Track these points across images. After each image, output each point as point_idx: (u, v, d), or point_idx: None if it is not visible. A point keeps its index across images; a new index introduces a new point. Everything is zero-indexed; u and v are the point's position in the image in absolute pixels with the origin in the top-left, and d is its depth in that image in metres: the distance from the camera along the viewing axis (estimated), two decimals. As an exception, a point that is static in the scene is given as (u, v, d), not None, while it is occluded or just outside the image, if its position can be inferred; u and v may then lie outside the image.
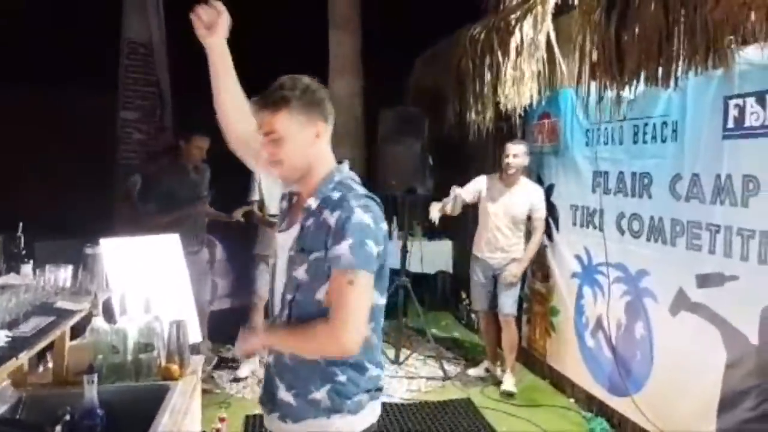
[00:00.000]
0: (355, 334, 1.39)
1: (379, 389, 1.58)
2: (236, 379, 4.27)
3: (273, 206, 4.30)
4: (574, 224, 3.83)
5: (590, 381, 3.65)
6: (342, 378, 1.48)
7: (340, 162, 1.58)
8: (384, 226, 1.49)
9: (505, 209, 3.94)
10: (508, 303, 3.97)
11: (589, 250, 3.66)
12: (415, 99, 5.44)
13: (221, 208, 4.49)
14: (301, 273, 1.48)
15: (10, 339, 1.59)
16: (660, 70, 2.28)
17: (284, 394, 1.51)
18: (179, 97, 6.71)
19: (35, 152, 6.63)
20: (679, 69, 2.23)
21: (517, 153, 3.88)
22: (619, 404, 3.37)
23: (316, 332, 1.41)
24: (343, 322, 1.38)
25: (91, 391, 1.81)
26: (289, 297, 1.52)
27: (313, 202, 1.50)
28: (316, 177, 1.52)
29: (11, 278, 1.93)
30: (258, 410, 3.72)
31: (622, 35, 2.44)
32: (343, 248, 1.38)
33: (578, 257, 3.78)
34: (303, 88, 1.47)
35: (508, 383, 3.94)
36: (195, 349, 2.54)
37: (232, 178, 4.52)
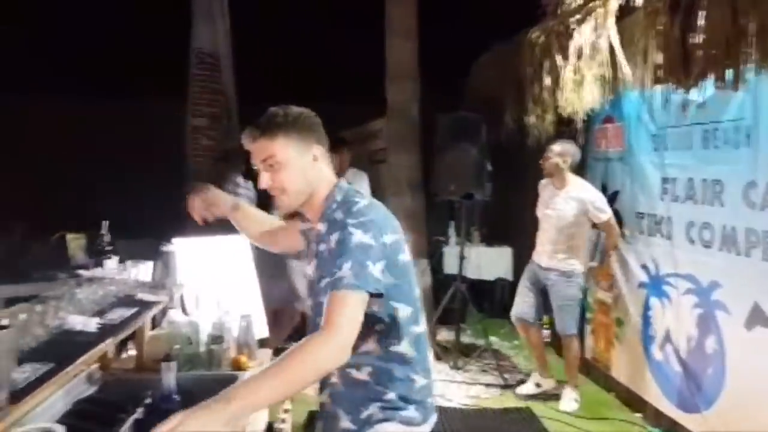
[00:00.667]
0: (348, 337, 1.30)
1: (431, 397, 1.56)
2: None
3: None
4: (641, 233, 3.73)
5: (658, 395, 3.53)
6: (391, 395, 1.48)
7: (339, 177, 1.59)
8: (393, 235, 1.46)
9: (554, 212, 3.84)
10: (569, 323, 3.82)
11: (657, 259, 3.56)
12: (472, 104, 5.43)
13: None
14: (325, 299, 1.40)
15: (100, 326, 1.71)
16: (728, 72, 2.21)
17: (344, 423, 1.51)
18: (244, 104, 6.97)
19: (114, 158, 7.03)
20: (749, 71, 2.15)
21: (548, 155, 3.82)
22: (688, 421, 3.25)
23: (302, 347, 1.27)
24: (336, 326, 1.30)
25: (170, 377, 1.92)
26: (319, 321, 1.44)
27: (322, 227, 1.52)
28: (318, 199, 1.54)
29: (98, 272, 2.07)
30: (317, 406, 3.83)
31: (688, 36, 2.38)
32: (344, 271, 1.34)
33: (645, 267, 3.68)
34: (296, 116, 1.50)
35: (568, 402, 3.81)
36: (262, 344, 2.64)
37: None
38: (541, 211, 3.97)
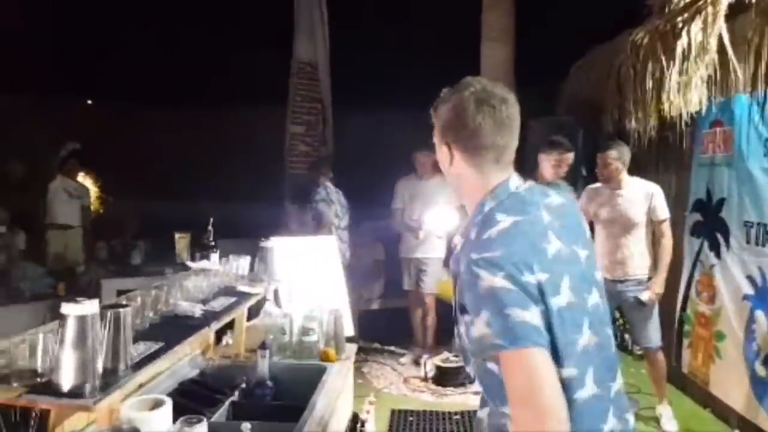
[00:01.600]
0: (545, 414, 1.05)
1: None
2: (392, 368, 4.66)
3: (414, 213, 4.54)
4: (748, 242, 3.48)
5: (760, 413, 3.29)
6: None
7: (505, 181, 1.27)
8: (543, 274, 1.13)
9: (619, 214, 3.62)
10: (653, 334, 3.61)
11: (765, 271, 3.31)
12: (570, 107, 5.31)
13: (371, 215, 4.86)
14: (462, 330, 1.22)
15: (203, 312, 1.88)
16: None
17: None
18: (338, 112, 7.24)
19: (219, 163, 7.56)
20: None
21: (608, 161, 3.64)
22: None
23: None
24: (524, 414, 1.08)
25: (264, 364, 2.09)
26: (465, 350, 1.26)
27: (458, 242, 1.29)
28: (471, 206, 1.28)
29: (204, 264, 2.27)
30: (402, 406, 3.92)
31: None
32: (481, 326, 1.10)
33: (751, 278, 3.43)
34: (442, 101, 1.32)
35: (669, 423, 3.61)
36: (351, 340, 2.76)
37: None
38: (600, 219, 3.70)
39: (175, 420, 1.53)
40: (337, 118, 7.31)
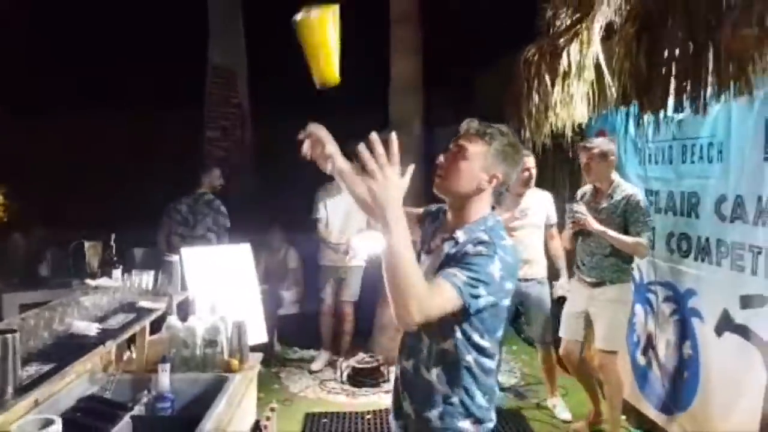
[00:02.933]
0: (421, 315, 1.36)
1: (488, 423, 1.62)
2: (309, 371, 4.70)
3: (335, 225, 4.62)
4: (627, 242, 3.85)
5: (640, 399, 3.65)
6: (454, 399, 1.58)
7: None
8: (512, 283, 1.55)
9: (523, 218, 3.90)
10: (547, 331, 3.93)
11: (641, 268, 3.68)
12: (476, 117, 5.59)
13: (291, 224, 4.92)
14: None
15: (100, 330, 1.93)
16: (686, 95, 2.36)
17: (407, 406, 1.66)
18: (257, 116, 7.24)
19: (134, 169, 7.35)
20: (707, 94, 2.30)
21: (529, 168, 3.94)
22: (666, 423, 3.37)
23: (415, 280, 1.35)
24: (425, 299, 1.37)
25: (165, 378, 2.15)
26: None
27: (461, 236, 1.59)
28: (468, 215, 1.63)
29: (104, 281, 2.30)
30: (317, 408, 4.04)
31: (653, 61, 2.54)
32: (463, 275, 1.45)
33: (632, 281, 3.79)
34: (505, 142, 1.62)
35: (563, 412, 3.88)
36: (261, 349, 2.84)
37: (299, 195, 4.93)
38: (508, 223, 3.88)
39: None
40: (258, 124, 7.32)
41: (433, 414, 1.59)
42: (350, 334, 4.82)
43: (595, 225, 3.31)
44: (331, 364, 4.76)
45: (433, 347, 1.60)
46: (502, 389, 4.32)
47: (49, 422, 1.47)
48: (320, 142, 1.69)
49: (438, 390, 1.59)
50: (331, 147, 1.69)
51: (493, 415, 1.65)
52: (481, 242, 1.53)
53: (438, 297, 1.41)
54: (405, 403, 1.67)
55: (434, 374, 1.59)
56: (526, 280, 3.89)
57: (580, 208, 3.41)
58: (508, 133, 1.65)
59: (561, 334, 3.66)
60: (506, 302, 1.59)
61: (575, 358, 3.58)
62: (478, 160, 1.60)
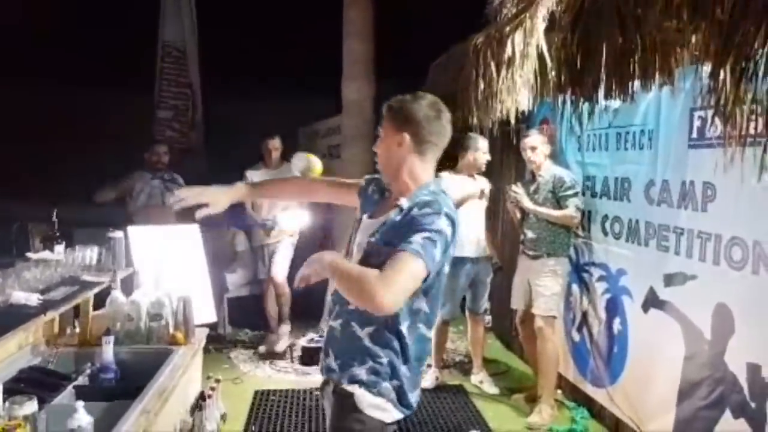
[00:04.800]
0: (395, 296, 1.47)
1: (410, 394, 1.66)
2: (274, 353, 4.71)
3: (263, 203, 4.67)
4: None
5: (575, 373, 3.86)
6: (383, 360, 1.61)
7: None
8: (453, 248, 1.62)
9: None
10: (486, 301, 4.27)
11: (578, 249, 3.87)
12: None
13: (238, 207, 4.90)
14: (380, 261, 1.55)
15: (41, 301, 1.94)
16: (614, 85, 2.51)
17: (332, 362, 1.69)
18: (209, 97, 7.14)
19: (80, 148, 7.12)
20: (634, 84, 2.45)
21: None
22: (598, 395, 3.58)
23: (367, 277, 1.48)
24: (390, 281, 1.46)
25: (108, 350, 2.18)
26: None
27: (405, 203, 1.65)
28: (406, 184, 1.69)
29: (45, 255, 2.29)
30: (266, 386, 4.10)
31: (585, 53, 2.68)
32: (417, 238, 1.51)
33: (569, 257, 3.98)
34: (399, 104, 1.70)
35: (490, 387, 4.11)
36: (211, 329, 2.87)
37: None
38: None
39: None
40: (208, 104, 7.22)
41: (360, 371, 1.62)
42: (287, 305, 4.80)
43: (527, 203, 3.70)
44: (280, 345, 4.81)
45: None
46: (446, 366, 4.48)
47: (-13, 386, 1.49)
48: (197, 198, 1.91)
49: (368, 349, 1.62)
50: (207, 196, 1.91)
51: (417, 394, 1.69)
52: (426, 204, 1.60)
53: (400, 271, 1.48)
54: (329, 359, 1.70)
55: (366, 333, 1.62)
56: (478, 259, 4.10)
57: (518, 189, 3.77)
58: (417, 96, 1.71)
59: (512, 305, 3.94)
60: (446, 268, 1.65)
61: (527, 326, 3.82)
62: (389, 136, 1.70)
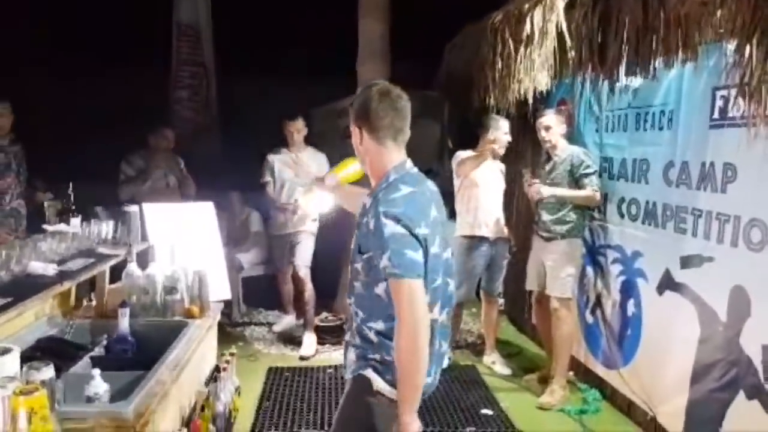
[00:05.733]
0: (415, 317, 1.53)
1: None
2: (272, 332, 4.81)
3: (285, 187, 4.48)
4: (582, 207, 3.99)
5: (587, 355, 3.85)
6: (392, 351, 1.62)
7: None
8: (425, 229, 1.58)
9: (498, 181, 4.20)
10: (501, 283, 4.30)
11: (594, 232, 3.83)
12: (446, 83, 5.63)
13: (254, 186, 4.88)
14: (358, 266, 1.66)
15: (57, 272, 1.96)
16: (636, 62, 2.46)
17: (358, 320, 1.72)
18: (222, 77, 7.14)
19: (99, 127, 7.17)
20: (656, 61, 2.40)
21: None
22: (610, 377, 3.57)
23: (401, 347, 1.55)
24: (405, 323, 1.53)
25: (124, 322, 2.20)
26: (354, 284, 1.71)
27: (367, 200, 1.68)
28: (377, 176, 1.70)
29: (61, 227, 2.31)
30: (279, 363, 4.14)
31: (606, 29, 2.62)
32: (384, 261, 1.54)
33: (584, 239, 3.95)
34: (352, 101, 1.72)
35: (503, 368, 4.12)
36: (227, 306, 2.87)
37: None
38: (478, 184, 4.11)
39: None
40: (222, 84, 7.21)
41: (379, 325, 1.64)
42: (311, 304, 4.50)
43: (547, 192, 3.59)
44: (295, 325, 4.85)
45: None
46: (458, 347, 4.49)
47: (6, 350, 1.51)
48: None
49: (388, 304, 1.61)
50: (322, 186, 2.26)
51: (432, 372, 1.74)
52: (372, 214, 1.59)
53: (401, 302, 1.53)
54: (357, 319, 1.71)
55: (382, 288, 1.62)
56: (496, 240, 4.08)
57: (534, 181, 3.68)
58: (367, 86, 1.71)
59: (527, 286, 3.93)
60: (433, 249, 1.62)
61: (543, 306, 3.80)
62: (354, 134, 1.72)
